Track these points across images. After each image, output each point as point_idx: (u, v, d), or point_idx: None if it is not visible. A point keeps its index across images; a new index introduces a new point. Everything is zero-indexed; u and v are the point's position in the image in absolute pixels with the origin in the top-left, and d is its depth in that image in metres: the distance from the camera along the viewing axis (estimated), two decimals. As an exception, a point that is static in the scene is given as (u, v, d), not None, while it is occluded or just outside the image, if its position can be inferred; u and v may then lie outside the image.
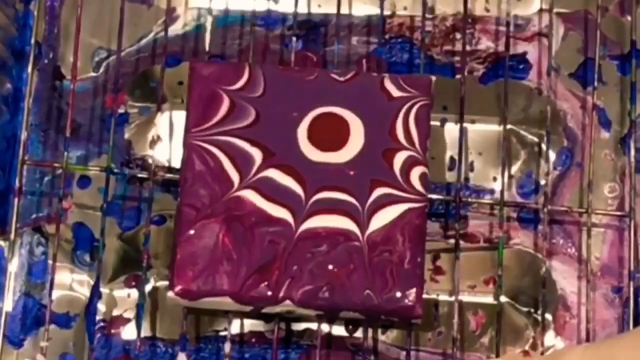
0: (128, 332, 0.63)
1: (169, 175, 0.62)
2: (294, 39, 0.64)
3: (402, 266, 0.57)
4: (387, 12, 0.67)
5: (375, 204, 0.58)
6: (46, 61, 0.66)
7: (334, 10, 0.65)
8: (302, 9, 0.66)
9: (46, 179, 0.65)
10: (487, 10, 0.67)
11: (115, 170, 0.62)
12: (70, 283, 0.64)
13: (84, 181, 0.65)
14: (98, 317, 0.63)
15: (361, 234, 0.58)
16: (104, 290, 0.64)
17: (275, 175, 0.58)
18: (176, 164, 0.63)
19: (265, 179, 0.58)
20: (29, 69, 0.62)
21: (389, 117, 0.60)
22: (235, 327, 0.63)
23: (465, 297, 0.64)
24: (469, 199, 0.64)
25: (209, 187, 0.58)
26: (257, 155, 0.59)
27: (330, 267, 0.57)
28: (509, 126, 0.64)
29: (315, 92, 0.60)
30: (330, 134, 0.59)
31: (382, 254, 0.58)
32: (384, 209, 0.58)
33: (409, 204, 0.58)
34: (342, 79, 0.60)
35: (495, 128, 0.66)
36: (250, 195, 0.58)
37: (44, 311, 0.62)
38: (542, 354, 0.60)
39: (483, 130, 0.66)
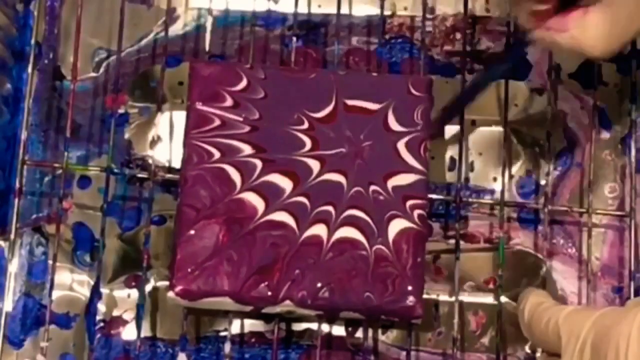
0: (128, 333, 0.63)
1: (169, 176, 0.62)
2: (294, 39, 0.64)
3: (404, 273, 0.57)
4: (387, 12, 0.66)
5: (390, 218, 0.58)
6: (46, 61, 0.66)
7: (334, 10, 0.65)
8: (302, 9, 0.66)
9: (46, 179, 0.65)
10: (487, 10, 0.67)
11: (115, 171, 0.62)
12: (70, 283, 0.64)
13: (84, 181, 0.65)
14: (98, 318, 0.63)
15: (369, 246, 0.58)
16: (104, 290, 0.63)
17: (277, 179, 0.58)
18: (176, 164, 0.63)
19: (268, 182, 0.58)
20: (29, 69, 0.62)
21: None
22: (235, 327, 0.63)
23: (465, 297, 0.64)
24: (469, 199, 0.64)
25: (210, 188, 0.58)
26: (258, 160, 0.59)
27: (333, 270, 0.57)
28: (509, 126, 0.64)
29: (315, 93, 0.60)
30: None
31: (387, 267, 0.57)
32: (394, 220, 0.58)
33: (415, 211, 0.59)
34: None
35: (495, 128, 0.66)
36: (252, 198, 0.58)
37: (44, 311, 0.62)
38: None
39: (483, 130, 0.66)
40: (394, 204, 0.58)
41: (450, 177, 0.65)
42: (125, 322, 0.63)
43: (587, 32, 0.51)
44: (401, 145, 0.59)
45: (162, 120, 0.65)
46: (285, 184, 0.58)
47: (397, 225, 0.58)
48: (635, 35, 0.52)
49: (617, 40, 0.51)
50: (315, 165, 0.59)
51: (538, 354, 0.58)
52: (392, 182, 0.59)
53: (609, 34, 0.51)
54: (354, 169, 0.59)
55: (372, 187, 0.58)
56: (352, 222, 0.58)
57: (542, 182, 0.64)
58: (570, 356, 0.50)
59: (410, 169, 0.59)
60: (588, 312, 0.51)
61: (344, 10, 0.66)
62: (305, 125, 0.59)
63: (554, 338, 0.51)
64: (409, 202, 0.58)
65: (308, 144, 0.59)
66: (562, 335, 0.50)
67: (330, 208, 0.58)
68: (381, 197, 0.58)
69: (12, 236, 0.60)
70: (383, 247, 0.58)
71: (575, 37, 0.51)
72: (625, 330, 0.47)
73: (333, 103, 0.60)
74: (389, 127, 0.59)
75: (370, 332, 0.63)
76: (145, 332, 0.63)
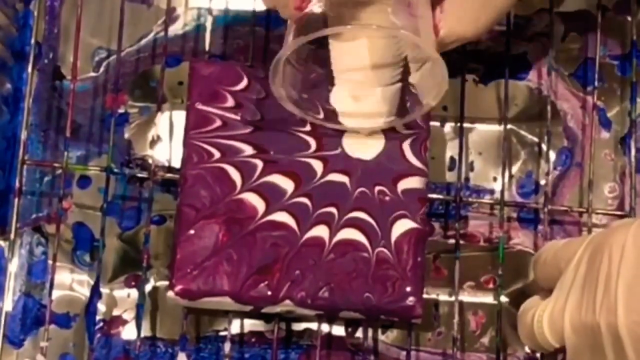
0: (128, 332, 0.63)
1: (169, 175, 0.62)
2: (294, 39, 0.64)
3: (404, 274, 0.57)
4: (387, 12, 0.66)
5: (395, 219, 0.58)
6: (46, 61, 0.66)
7: (334, 10, 0.64)
8: (302, 9, 0.66)
9: (46, 179, 0.65)
10: (487, 10, 0.67)
11: (115, 170, 0.62)
12: (70, 283, 0.64)
13: (84, 181, 0.65)
14: (98, 317, 0.63)
15: (372, 249, 0.57)
16: (104, 290, 0.63)
17: (278, 180, 0.58)
18: (176, 164, 0.63)
19: (268, 183, 0.58)
20: (29, 69, 0.62)
21: None
22: (235, 327, 0.63)
23: (465, 297, 0.64)
24: (469, 199, 0.64)
25: (210, 188, 0.58)
26: (259, 160, 0.59)
27: (333, 271, 0.57)
28: (509, 126, 0.64)
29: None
30: None
31: (388, 270, 0.57)
32: (399, 221, 0.58)
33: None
34: None
35: (495, 128, 0.66)
36: (252, 198, 0.58)
37: (44, 311, 0.62)
38: None
39: (483, 130, 0.66)
40: (401, 206, 0.58)
41: (450, 177, 0.65)
42: (125, 322, 0.63)
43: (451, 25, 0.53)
44: (406, 147, 0.59)
45: (162, 120, 0.65)
46: (287, 184, 0.58)
47: (400, 227, 0.58)
48: (496, 14, 0.53)
49: (476, 22, 0.53)
50: (318, 166, 0.58)
51: (538, 354, 0.58)
52: (403, 184, 0.58)
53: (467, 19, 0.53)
54: (357, 170, 0.59)
55: (378, 188, 0.58)
56: (355, 224, 0.58)
57: (542, 182, 0.64)
58: (565, 275, 0.48)
59: (415, 171, 0.59)
60: (584, 236, 0.50)
61: (344, 10, 0.65)
62: (308, 127, 0.59)
63: (554, 270, 0.50)
64: (417, 204, 0.58)
65: (312, 144, 0.59)
66: (560, 262, 0.49)
67: (333, 209, 0.58)
68: (387, 198, 0.58)
69: (12, 236, 0.60)
70: (385, 250, 0.57)
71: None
72: (620, 239, 0.45)
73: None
74: (391, 127, 0.59)
75: (370, 332, 0.63)
76: (145, 331, 0.63)
